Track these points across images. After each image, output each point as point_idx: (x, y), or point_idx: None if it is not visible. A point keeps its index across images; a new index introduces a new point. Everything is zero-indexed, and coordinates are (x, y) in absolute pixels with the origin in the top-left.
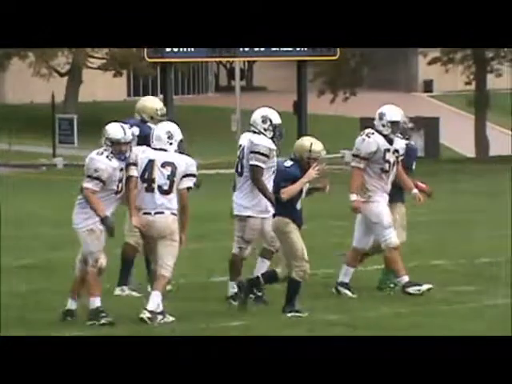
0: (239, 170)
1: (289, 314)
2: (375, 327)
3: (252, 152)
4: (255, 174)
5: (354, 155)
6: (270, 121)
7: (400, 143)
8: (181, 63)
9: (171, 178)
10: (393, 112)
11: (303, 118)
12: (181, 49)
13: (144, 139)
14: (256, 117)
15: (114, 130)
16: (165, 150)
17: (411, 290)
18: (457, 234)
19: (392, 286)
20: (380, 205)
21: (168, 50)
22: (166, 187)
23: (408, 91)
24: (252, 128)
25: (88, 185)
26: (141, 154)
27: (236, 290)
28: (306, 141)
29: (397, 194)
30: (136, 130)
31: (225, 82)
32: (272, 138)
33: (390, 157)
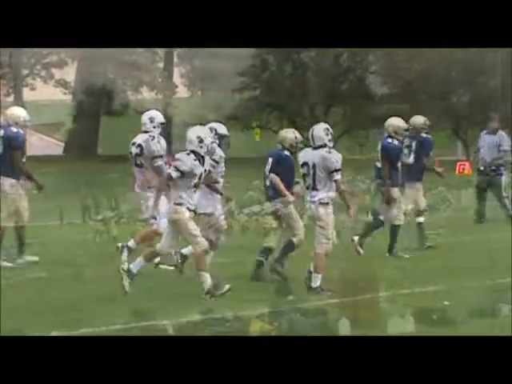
0: None
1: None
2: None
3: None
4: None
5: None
6: (202, 141)
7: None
8: None
9: None
10: (159, 114)
11: None
12: None
13: (6, 139)
14: (192, 135)
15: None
16: None
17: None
18: None
19: None
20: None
21: None
22: None
23: None
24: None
25: None
26: None
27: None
28: (289, 132)
29: (417, 175)
30: (0, 132)
31: None
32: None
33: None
